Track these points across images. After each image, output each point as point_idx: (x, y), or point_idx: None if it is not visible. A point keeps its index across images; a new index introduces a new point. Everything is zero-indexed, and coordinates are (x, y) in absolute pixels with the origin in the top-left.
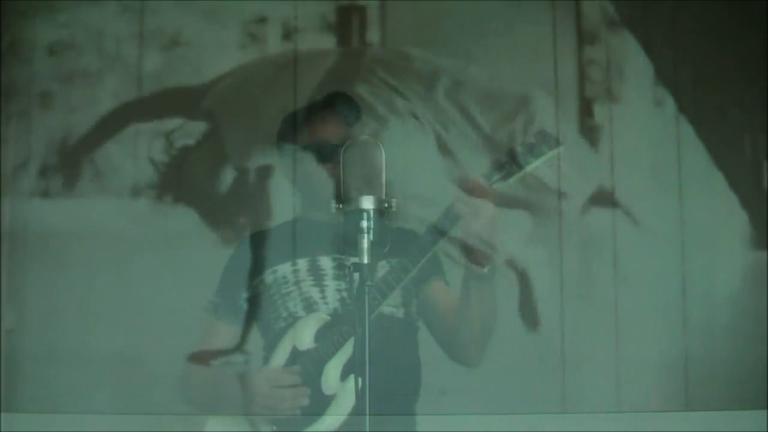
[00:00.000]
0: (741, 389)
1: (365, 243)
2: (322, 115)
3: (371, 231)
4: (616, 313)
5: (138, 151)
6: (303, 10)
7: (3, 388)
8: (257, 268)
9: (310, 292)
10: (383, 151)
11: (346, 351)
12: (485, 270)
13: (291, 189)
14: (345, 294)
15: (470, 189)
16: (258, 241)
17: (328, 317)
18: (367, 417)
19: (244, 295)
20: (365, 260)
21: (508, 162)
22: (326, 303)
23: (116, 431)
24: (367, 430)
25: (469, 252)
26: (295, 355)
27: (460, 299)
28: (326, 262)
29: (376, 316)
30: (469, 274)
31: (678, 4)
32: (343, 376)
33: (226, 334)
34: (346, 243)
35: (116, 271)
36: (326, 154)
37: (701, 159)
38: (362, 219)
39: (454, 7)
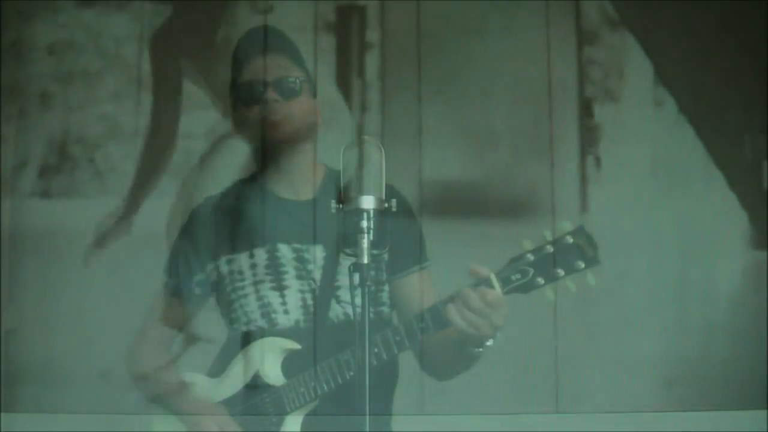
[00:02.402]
0: (741, 389)
1: (365, 243)
2: (242, 54)
3: (371, 231)
4: (615, 313)
5: (138, 151)
6: (303, 10)
7: (3, 388)
8: (211, 247)
9: (269, 297)
10: (383, 150)
11: (310, 405)
12: (479, 350)
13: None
14: (308, 297)
15: (482, 298)
16: (210, 209)
17: (298, 347)
18: (367, 417)
19: (197, 277)
20: (365, 260)
21: (534, 265)
22: (287, 312)
23: (116, 431)
24: (367, 430)
25: (466, 334)
26: (259, 384)
27: (444, 350)
28: (286, 253)
29: (337, 322)
30: (460, 347)
31: (678, 4)
32: None
33: (178, 313)
34: (346, 243)
35: (116, 271)
36: (251, 96)
37: (701, 159)
38: (362, 219)
39: (454, 7)
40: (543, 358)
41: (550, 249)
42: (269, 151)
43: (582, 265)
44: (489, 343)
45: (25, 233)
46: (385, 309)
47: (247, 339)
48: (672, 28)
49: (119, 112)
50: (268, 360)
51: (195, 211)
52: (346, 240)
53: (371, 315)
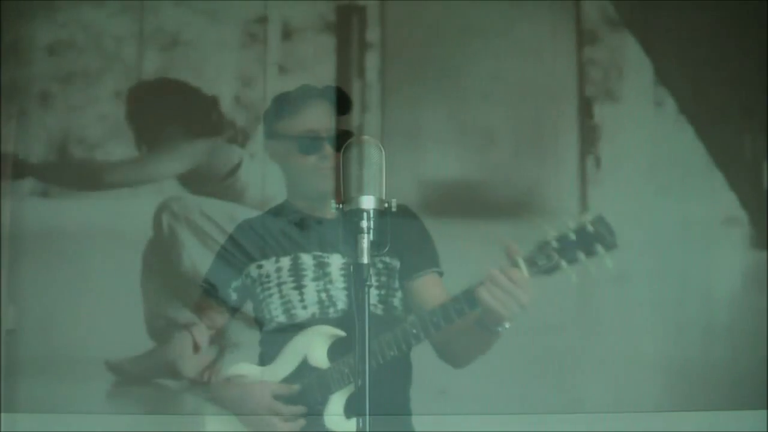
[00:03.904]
0: (741, 389)
1: (365, 243)
2: (312, 105)
3: (371, 231)
4: (615, 313)
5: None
6: (303, 10)
7: (3, 388)
8: (246, 257)
9: (289, 296)
10: (383, 150)
11: (353, 385)
12: (499, 330)
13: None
14: (323, 295)
15: (509, 277)
16: (248, 228)
17: (343, 333)
18: (367, 417)
19: (233, 284)
20: (365, 260)
21: (558, 251)
22: (304, 307)
23: (116, 431)
24: (368, 429)
25: (488, 313)
26: (305, 368)
27: (462, 333)
28: (307, 260)
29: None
30: (481, 327)
31: (678, 5)
32: (348, 413)
33: (216, 312)
34: (346, 243)
35: (116, 271)
36: (312, 146)
37: (701, 159)
38: (362, 219)
39: (454, 7)
40: (543, 358)
41: (572, 236)
42: (306, 187)
43: (601, 248)
44: (507, 325)
45: (25, 233)
46: (397, 312)
47: (275, 336)
48: (672, 28)
49: (119, 112)
50: (316, 346)
51: (234, 231)
52: (345, 240)
53: (380, 312)
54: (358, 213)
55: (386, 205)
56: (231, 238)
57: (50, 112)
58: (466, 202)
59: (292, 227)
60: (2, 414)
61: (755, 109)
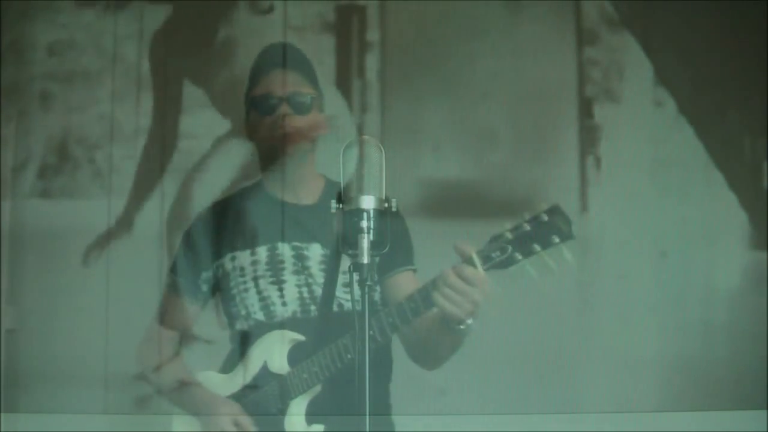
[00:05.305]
0: (741, 389)
1: (365, 243)
2: (261, 68)
3: (371, 231)
4: (615, 313)
5: (138, 151)
6: (302, 10)
7: (3, 388)
8: (216, 246)
9: (268, 291)
10: (383, 150)
11: (314, 390)
12: (462, 327)
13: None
14: (305, 291)
15: (461, 276)
16: (219, 210)
17: (302, 338)
18: (367, 417)
19: (204, 275)
20: (365, 260)
21: (513, 243)
22: (284, 305)
23: (115, 431)
24: (368, 429)
25: (447, 312)
26: (266, 374)
27: (429, 331)
28: (286, 251)
29: (336, 314)
30: (444, 325)
31: (678, 4)
32: (309, 419)
33: (185, 311)
34: (346, 242)
35: (116, 271)
36: (265, 107)
37: (701, 159)
38: (362, 219)
39: (454, 7)
40: (543, 359)
41: (527, 227)
42: (277, 159)
43: (557, 239)
44: (469, 321)
45: (25, 233)
46: (377, 308)
47: (250, 334)
48: (672, 28)
49: (119, 112)
50: (275, 351)
51: (201, 215)
52: (345, 240)
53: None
54: (358, 213)
55: (386, 204)
56: (197, 224)
57: (50, 112)
58: (466, 202)
59: (267, 213)
60: (2, 414)
61: (755, 109)
